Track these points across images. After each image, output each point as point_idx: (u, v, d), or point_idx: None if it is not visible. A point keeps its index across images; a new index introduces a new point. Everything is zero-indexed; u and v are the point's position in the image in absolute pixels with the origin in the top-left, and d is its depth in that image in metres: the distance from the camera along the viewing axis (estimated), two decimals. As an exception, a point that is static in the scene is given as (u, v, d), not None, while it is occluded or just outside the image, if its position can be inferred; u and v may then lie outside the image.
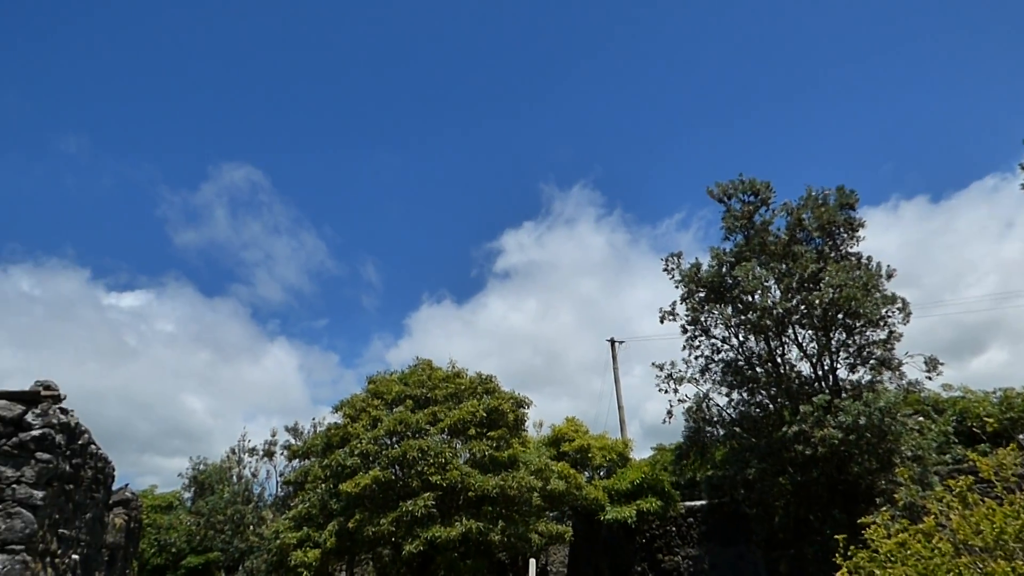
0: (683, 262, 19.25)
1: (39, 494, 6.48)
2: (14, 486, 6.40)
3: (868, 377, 16.13)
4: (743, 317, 17.46)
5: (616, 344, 29.52)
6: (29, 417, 6.66)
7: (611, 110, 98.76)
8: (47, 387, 6.92)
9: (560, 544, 20.82)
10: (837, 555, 7.30)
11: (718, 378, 18.71)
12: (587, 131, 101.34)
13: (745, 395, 18.29)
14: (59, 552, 7.57)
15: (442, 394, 16.77)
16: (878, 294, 15.75)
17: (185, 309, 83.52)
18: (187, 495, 26.83)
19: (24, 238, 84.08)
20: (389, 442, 15.83)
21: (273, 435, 28.54)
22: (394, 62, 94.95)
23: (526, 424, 17.93)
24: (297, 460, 20.84)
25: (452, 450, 15.37)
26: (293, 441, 26.90)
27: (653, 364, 19.38)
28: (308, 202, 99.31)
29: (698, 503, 20.58)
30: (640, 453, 24.72)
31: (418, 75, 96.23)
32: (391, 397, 16.83)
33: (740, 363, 18.25)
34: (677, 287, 19.03)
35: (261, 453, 27.57)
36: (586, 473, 20.83)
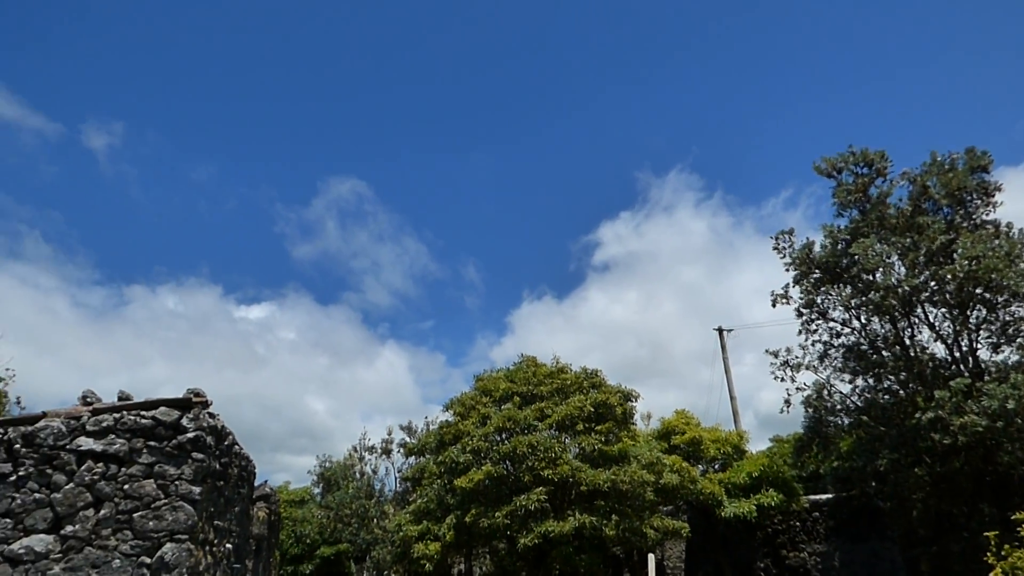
0: (795, 240, 18.26)
1: (197, 490, 7.23)
2: (176, 483, 7.18)
3: (1016, 357, 14.58)
4: (864, 297, 16.31)
5: (724, 333, 28.48)
6: (184, 421, 7.45)
7: (705, 89, 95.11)
8: (197, 394, 7.72)
9: (676, 539, 20.41)
10: (989, 554, 6.69)
11: (839, 364, 17.61)
12: (681, 114, 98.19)
13: (871, 381, 17.08)
14: (215, 541, 8.41)
15: (548, 390, 16.95)
16: (1023, 264, 14.18)
17: (304, 318, 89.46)
18: (316, 491, 28.81)
19: (167, 261, 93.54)
20: (499, 438, 16.21)
21: (389, 433, 30.05)
22: (481, 64, 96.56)
23: (634, 418, 17.72)
24: (413, 457, 21.77)
25: (561, 445, 15.49)
26: (408, 439, 28.20)
27: (767, 351, 18.56)
28: (409, 208, 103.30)
29: (823, 497, 19.46)
30: (756, 445, 23.74)
31: (506, 74, 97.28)
32: (498, 395, 17.23)
33: (863, 347, 17.06)
34: (788, 269, 18.09)
35: (379, 451, 29.08)
36: (699, 466, 20.28)
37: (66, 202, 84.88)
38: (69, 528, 6.73)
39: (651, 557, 11.56)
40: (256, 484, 12.56)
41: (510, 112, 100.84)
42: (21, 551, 6.53)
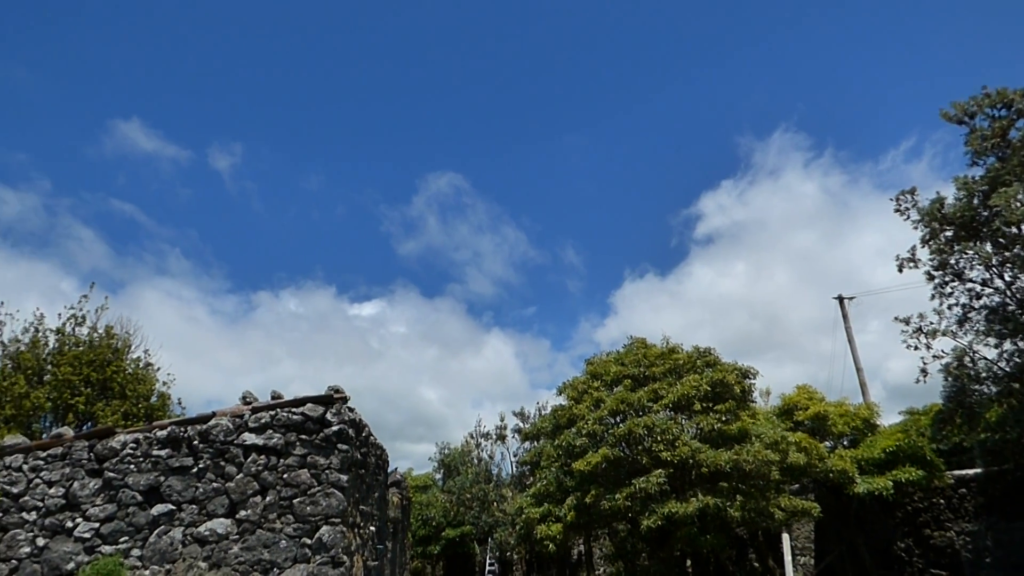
0: (919, 199, 16.86)
1: (344, 478, 7.91)
2: (326, 472, 7.90)
3: None
4: (1008, 253, 14.84)
5: (845, 301, 26.77)
6: (328, 416, 8.15)
7: (806, 39, 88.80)
8: (337, 391, 8.41)
9: (805, 520, 19.62)
10: None
11: (982, 327, 16.12)
12: (780, 69, 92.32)
13: (1021, 344, 15.52)
14: (362, 524, 9.16)
15: (660, 371, 16.78)
16: None
17: (412, 312, 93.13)
18: (438, 476, 30.21)
19: (287, 267, 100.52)
20: (613, 421, 16.28)
21: (502, 420, 30.88)
22: (566, 45, 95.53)
23: (753, 395, 17.17)
24: (528, 442, 22.29)
25: (678, 426, 15.32)
26: (521, 424, 28.87)
27: (896, 318, 17.33)
28: (506, 197, 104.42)
29: (970, 472, 17.98)
30: (888, 419, 22.22)
31: (592, 52, 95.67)
32: (610, 378, 17.26)
33: (1010, 308, 15.52)
34: (915, 228, 16.75)
35: (494, 437, 29.99)
36: (826, 443, 19.33)
37: (200, 220, 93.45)
38: (242, 513, 7.59)
39: (785, 537, 11.25)
40: (388, 471, 13.44)
41: (599, 90, 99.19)
42: (206, 533, 7.46)
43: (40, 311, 16.06)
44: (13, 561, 7.26)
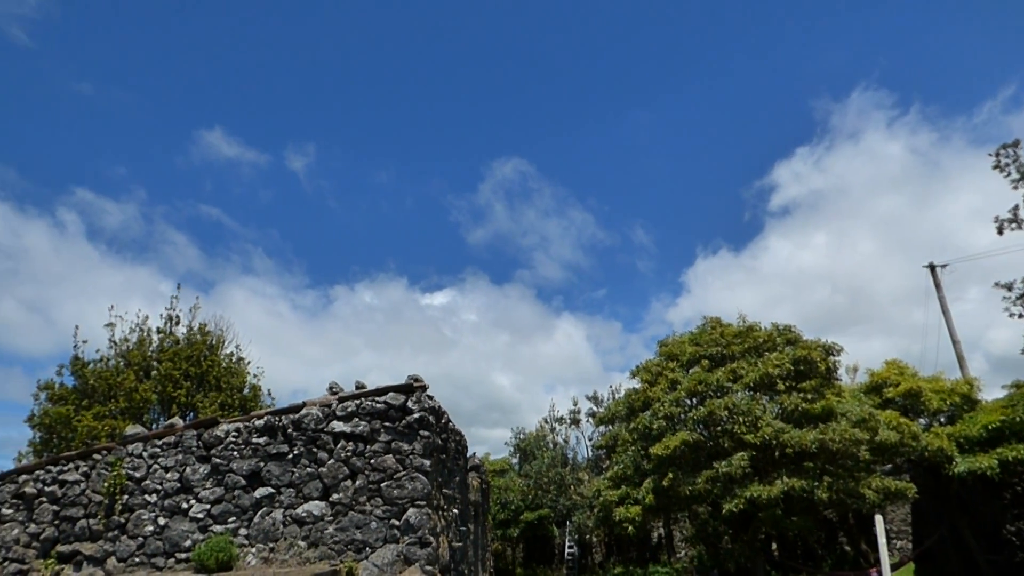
0: (1022, 152, 15.59)
1: (427, 462, 8.21)
2: (410, 457, 8.22)
3: None
4: None
5: (938, 269, 25.12)
6: (409, 403, 8.46)
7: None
8: (416, 379, 8.71)
9: (900, 502, 18.71)
10: None
11: (1096, 292, 14.83)
12: (856, 23, 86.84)
13: None
14: (445, 507, 9.48)
15: (738, 350, 16.35)
16: None
17: (482, 299, 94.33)
18: (514, 460, 30.67)
19: (360, 260, 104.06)
20: (691, 403, 16.03)
21: (575, 404, 30.99)
22: (628, 19, 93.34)
23: (838, 372, 16.47)
24: (603, 426, 22.27)
25: (760, 406, 14.92)
26: (595, 408, 28.88)
27: (997, 284, 16.18)
28: (572, 180, 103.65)
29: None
30: (990, 393, 20.75)
31: (654, 26, 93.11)
32: (685, 359, 16.98)
33: None
34: (1016, 187, 15.53)
35: (568, 421, 30.15)
36: (920, 420, 18.32)
37: (279, 220, 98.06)
38: (335, 496, 8.03)
39: (879, 519, 10.78)
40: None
41: (663, 63, 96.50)
42: (304, 514, 7.94)
43: (143, 312, 17.41)
44: (140, 538, 7.99)
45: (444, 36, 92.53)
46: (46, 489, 8.28)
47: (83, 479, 8.31)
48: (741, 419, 14.54)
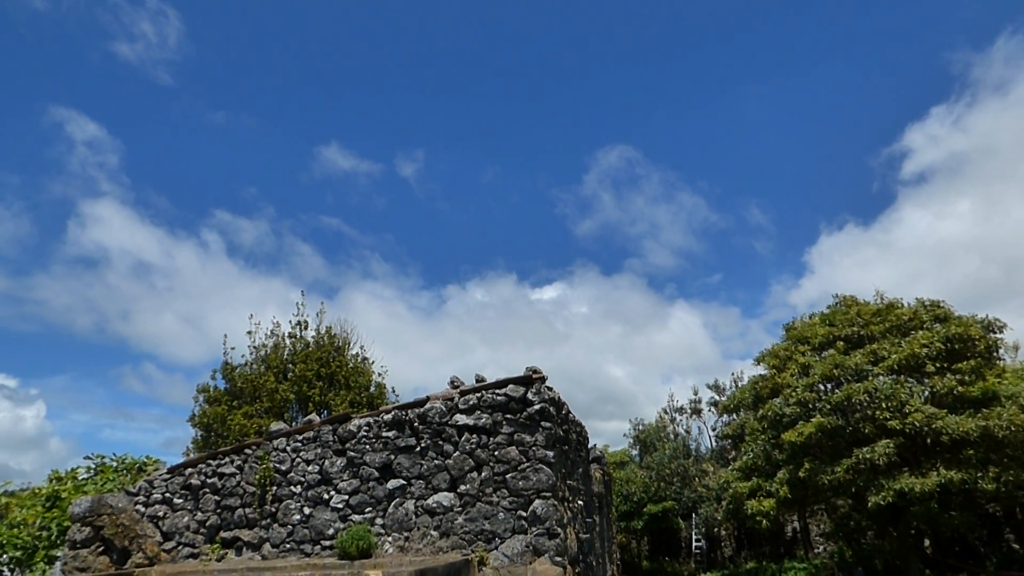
0: None
1: (550, 453, 8.18)
2: (533, 448, 8.23)
3: None
4: None
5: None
6: (529, 395, 8.47)
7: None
8: (535, 371, 8.70)
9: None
10: None
11: None
12: (996, -34, 76.91)
13: None
14: (570, 498, 9.43)
15: (877, 330, 14.99)
16: None
17: (592, 291, 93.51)
18: (634, 452, 30.14)
19: (471, 259, 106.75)
20: (825, 388, 14.91)
21: (695, 393, 29.91)
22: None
23: (999, 351, 14.67)
24: (726, 415, 21.32)
25: (906, 390, 13.59)
26: (717, 397, 27.72)
27: None
28: (680, 162, 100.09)
29: None
30: None
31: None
32: (816, 341, 15.81)
33: None
34: None
35: (689, 411, 29.15)
36: (1109, 403, 15.91)
37: (394, 225, 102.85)
38: (462, 488, 8.21)
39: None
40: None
41: (776, 31, 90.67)
42: (434, 505, 8.19)
43: (276, 319, 18.83)
44: (289, 526, 8.61)
45: (540, 30, 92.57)
46: (208, 481, 9.12)
47: (238, 472, 9.08)
48: (884, 404, 13.32)
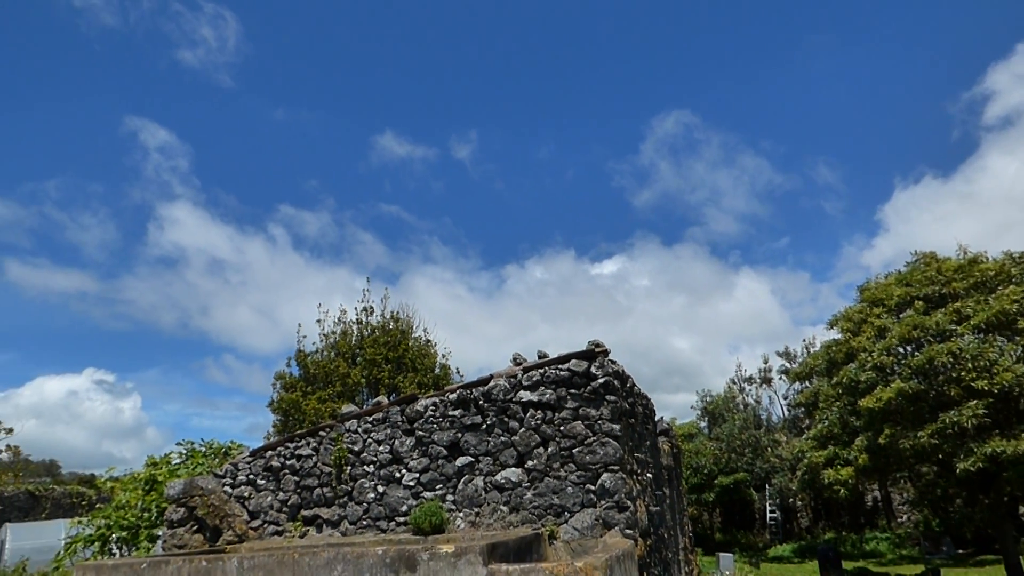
0: None
1: (616, 427, 8.14)
2: (598, 423, 8.21)
3: None
4: None
5: None
6: (592, 369, 8.44)
7: None
8: (597, 344, 8.65)
9: None
10: None
11: None
12: None
13: None
14: (639, 471, 9.39)
15: (961, 287, 14.10)
16: None
17: (654, 262, 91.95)
18: (702, 424, 29.71)
19: (528, 237, 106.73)
20: (904, 351, 14.20)
21: (765, 362, 29.12)
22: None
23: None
24: (798, 383, 20.67)
25: (995, 350, 12.77)
26: (788, 365, 26.87)
27: None
28: (740, 124, 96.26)
29: None
30: None
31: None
32: (893, 302, 15.04)
33: None
34: None
35: (759, 380, 28.41)
36: None
37: (451, 208, 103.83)
38: (529, 463, 8.30)
39: None
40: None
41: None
42: (502, 481, 8.32)
43: (343, 307, 19.46)
44: (364, 504, 8.95)
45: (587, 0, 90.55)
46: (287, 463, 9.57)
47: (314, 453, 9.48)
48: (970, 365, 12.57)
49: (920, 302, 14.36)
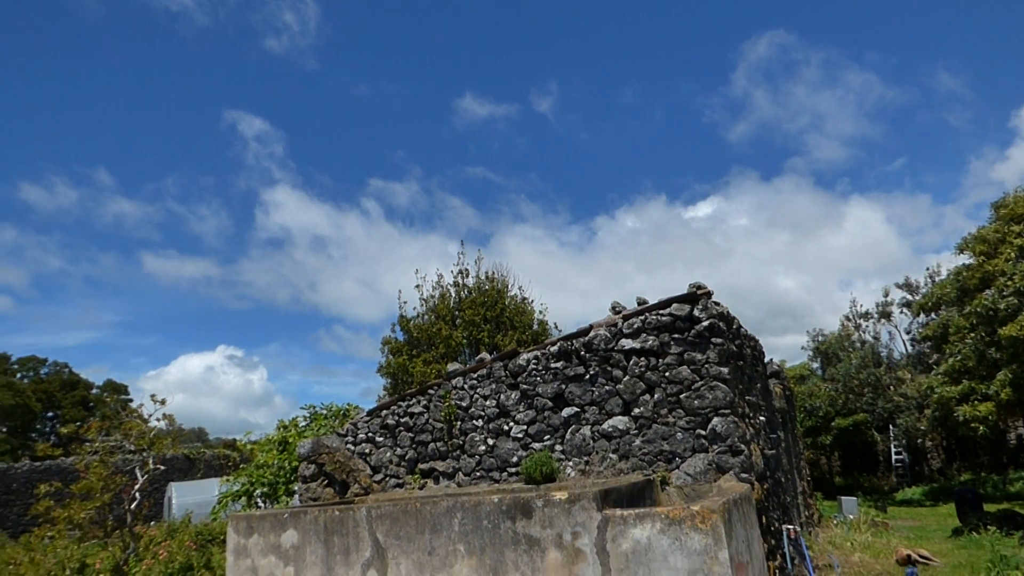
0: None
1: (724, 370, 7.88)
2: (705, 366, 7.98)
3: None
4: None
5: None
6: (695, 312, 8.17)
7: None
8: (699, 287, 8.34)
9: None
10: None
11: None
12: None
13: None
14: (751, 415, 9.08)
15: (1121, 194, 12.35)
16: None
17: (752, 200, 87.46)
18: (815, 365, 28.27)
19: (616, 186, 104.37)
20: (1052, 271, 12.71)
21: (885, 295, 27.07)
22: None
23: None
24: (923, 315, 19.11)
25: None
26: (910, 297, 24.86)
27: None
28: (844, 36, 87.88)
29: None
30: None
31: None
32: (1037, 218, 13.45)
33: None
34: None
35: (876, 316, 26.52)
36: None
37: (537, 164, 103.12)
38: (636, 411, 8.23)
39: None
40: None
41: None
42: (610, 429, 8.32)
43: (439, 272, 19.99)
44: (476, 456, 9.29)
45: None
46: (401, 420, 10.06)
47: (425, 411, 9.90)
48: None
49: (1070, 215, 12.72)
